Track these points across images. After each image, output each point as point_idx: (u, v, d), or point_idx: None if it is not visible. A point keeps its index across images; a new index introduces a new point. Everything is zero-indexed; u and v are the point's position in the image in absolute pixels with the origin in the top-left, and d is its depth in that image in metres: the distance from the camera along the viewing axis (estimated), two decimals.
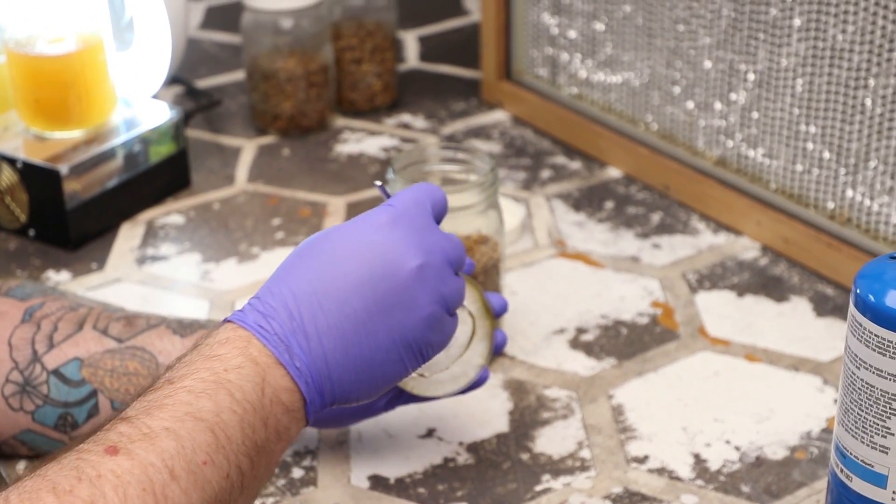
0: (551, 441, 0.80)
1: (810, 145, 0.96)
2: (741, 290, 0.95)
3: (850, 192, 0.94)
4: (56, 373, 0.74)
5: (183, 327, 0.77)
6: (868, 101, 0.90)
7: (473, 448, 0.80)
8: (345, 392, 0.62)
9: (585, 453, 0.79)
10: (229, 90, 1.32)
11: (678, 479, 0.76)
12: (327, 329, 0.60)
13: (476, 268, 0.84)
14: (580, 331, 0.91)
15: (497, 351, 0.78)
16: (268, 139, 1.21)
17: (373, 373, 0.62)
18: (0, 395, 0.74)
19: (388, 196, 0.68)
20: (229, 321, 0.61)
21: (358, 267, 0.61)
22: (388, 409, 0.76)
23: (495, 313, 0.78)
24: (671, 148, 1.08)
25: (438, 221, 0.67)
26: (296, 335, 0.60)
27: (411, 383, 0.74)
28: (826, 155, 0.95)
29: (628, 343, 0.90)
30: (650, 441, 0.80)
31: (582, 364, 0.88)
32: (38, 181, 1.00)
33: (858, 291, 0.62)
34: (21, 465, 0.77)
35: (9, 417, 0.75)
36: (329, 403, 0.62)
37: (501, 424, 0.82)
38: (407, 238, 0.63)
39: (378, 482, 0.77)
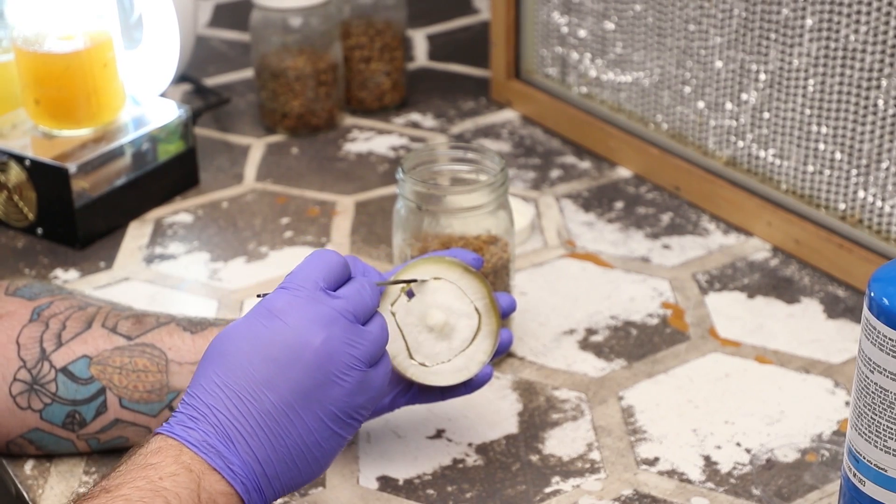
0: (561, 442, 0.80)
1: (822, 146, 0.95)
2: (752, 292, 0.95)
3: (861, 194, 0.93)
4: (64, 370, 0.74)
5: (193, 325, 0.77)
6: (880, 102, 0.90)
7: (483, 449, 0.79)
8: (287, 482, 0.63)
9: (595, 455, 0.78)
10: (238, 88, 1.31)
11: (688, 481, 0.76)
12: (249, 430, 0.62)
13: (486, 268, 0.83)
14: (590, 332, 0.91)
15: (503, 350, 0.78)
16: (276, 138, 1.21)
17: (310, 455, 0.63)
18: (8, 393, 0.74)
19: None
20: (158, 433, 0.62)
21: (263, 361, 0.62)
22: (393, 407, 0.76)
23: (503, 312, 0.77)
24: (681, 148, 1.08)
25: (341, 283, 0.67)
26: (222, 440, 0.61)
27: (412, 370, 0.74)
28: (838, 156, 0.94)
29: (638, 344, 0.89)
30: (660, 443, 0.79)
31: (592, 365, 0.87)
32: (47, 179, 1.00)
33: (872, 295, 0.61)
34: (29, 465, 0.77)
35: (17, 416, 0.75)
36: (274, 497, 0.63)
37: (511, 425, 0.81)
38: (304, 317, 0.63)
39: (387, 483, 0.77)
